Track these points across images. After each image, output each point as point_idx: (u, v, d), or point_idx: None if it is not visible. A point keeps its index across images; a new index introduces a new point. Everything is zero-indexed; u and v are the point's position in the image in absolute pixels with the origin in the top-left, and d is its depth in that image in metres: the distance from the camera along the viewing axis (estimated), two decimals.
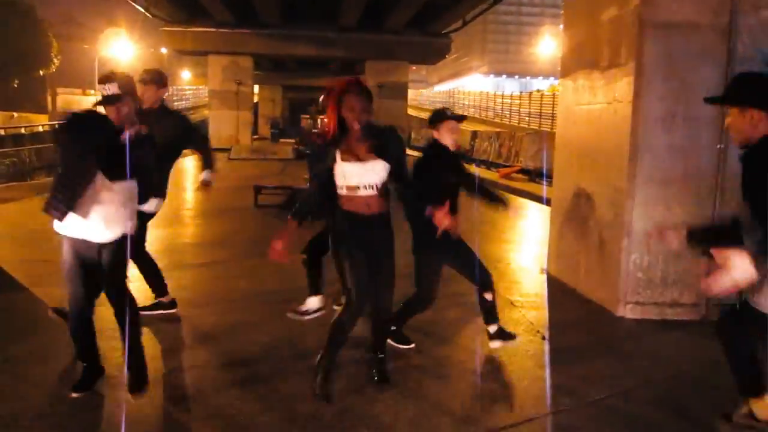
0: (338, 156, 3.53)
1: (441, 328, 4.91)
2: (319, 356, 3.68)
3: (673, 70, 5.27)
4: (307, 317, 4.87)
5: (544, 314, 5.46)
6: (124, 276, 3.68)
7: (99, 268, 3.53)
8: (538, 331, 5.00)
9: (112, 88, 3.38)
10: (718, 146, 5.35)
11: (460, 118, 4.44)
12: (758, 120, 2.69)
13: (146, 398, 3.57)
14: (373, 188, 3.53)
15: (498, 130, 31.60)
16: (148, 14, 30.32)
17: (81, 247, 3.47)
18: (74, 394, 3.54)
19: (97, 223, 3.42)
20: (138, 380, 3.59)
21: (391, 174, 3.58)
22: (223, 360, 4.21)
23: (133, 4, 29.35)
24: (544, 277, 6.64)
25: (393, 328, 4.27)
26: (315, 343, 4.49)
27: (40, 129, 33.20)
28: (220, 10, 28.01)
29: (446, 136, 4.22)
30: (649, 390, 3.97)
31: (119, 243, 3.54)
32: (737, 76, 3.03)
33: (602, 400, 3.80)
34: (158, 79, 4.75)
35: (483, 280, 4.22)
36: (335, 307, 4.49)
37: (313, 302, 4.92)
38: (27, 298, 5.52)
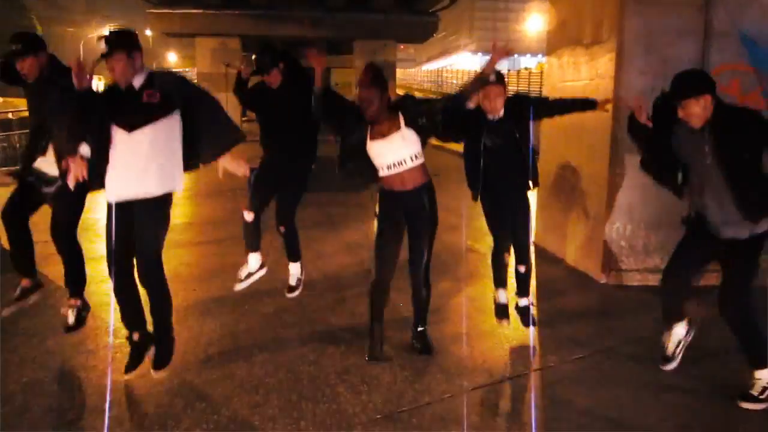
0: (368, 133, 3.72)
1: (434, 300, 5.14)
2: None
3: (652, 46, 5.48)
4: (251, 279, 4.88)
5: (532, 282, 5.69)
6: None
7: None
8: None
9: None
10: None
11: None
12: (709, 102, 3.27)
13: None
14: (403, 163, 3.70)
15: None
16: None
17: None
18: (127, 376, 3.62)
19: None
20: (162, 356, 3.64)
21: (428, 123, 3.72)
22: (229, 328, 4.44)
23: None
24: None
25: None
26: (309, 312, 4.77)
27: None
28: None
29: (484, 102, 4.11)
30: (629, 347, 4.24)
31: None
32: (681, 74, 3.42)
33: (585, 357, 4.08)
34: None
35: (521, 250, 4.39)
36: None
37: (253, 260, 4.90)
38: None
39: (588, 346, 4.23)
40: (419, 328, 4.10)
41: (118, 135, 3.41)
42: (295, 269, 4.98)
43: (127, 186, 3.44)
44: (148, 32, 69.62)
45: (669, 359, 3.76)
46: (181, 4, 30.65)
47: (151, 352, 3.67)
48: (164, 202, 3.52)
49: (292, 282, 4.97)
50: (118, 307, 3.64)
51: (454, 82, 46.45)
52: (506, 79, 4.16)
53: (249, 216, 4.67)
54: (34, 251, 4.24)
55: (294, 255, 4.95)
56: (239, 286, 4.83)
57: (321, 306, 4.92)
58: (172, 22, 31.85)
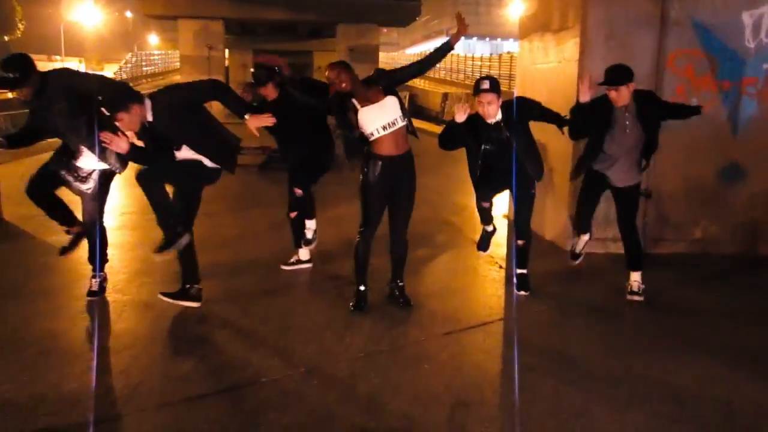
0: (357, 105, 4.19)
1: (410, 265, 5.63)
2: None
3: (613, 33, 5.96)
4: (298, 267, 5.41)
5: (503, 250, 6.20)
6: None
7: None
8: (496, 262, 5.76)
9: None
10: None
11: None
12: (632, 88, 4.49)
13: (165, 313, 4.27)
14: (396, 123, 4.19)
15: (468, 92, 32.14)
16: None
17: None
18: (157, 257, 4.22)
19: None
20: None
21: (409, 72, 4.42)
22: (225, 287, 4.90)
23: None
24: (506, 221, 7.38)
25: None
26: (298, 274, 5.23)
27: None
28: None
29: (478, 108, 4.52)
30: (585, 304, 4.76)
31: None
32: (612, 67, 4.61)
33: (543, 311, 4.60)
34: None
35: (520, 227, 4.88)
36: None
37: (303, 254, 5.47)
38: (36, 245, 6.14)
39: (547, 302, 4.75)
40: (400, 283, 4.59)
41: None
42: (311, 224, 5.42)
43: None
44: (129, 14, 69.00)
45: (577, 256, 5.16)
46: None
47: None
48: None
49: (309, 235, 5.41)
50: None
51: (437, 66, 46.91)
52: (500, 86, 4.56)
53: (298, 191, 5.11)
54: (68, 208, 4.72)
55: (308, 215, 5.40)
56: (286, 267, 5.38)
57: (309, 269, 5.38)
58: (155, 4, 31.76)
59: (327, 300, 4.68)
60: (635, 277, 4.85)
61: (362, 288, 4.50)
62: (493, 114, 4.47)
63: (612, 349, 3.97)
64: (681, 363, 3.78)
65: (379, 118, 4.18)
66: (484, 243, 5.09)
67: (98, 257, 4.65)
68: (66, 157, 4.45)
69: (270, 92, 4.99)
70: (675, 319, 4.53)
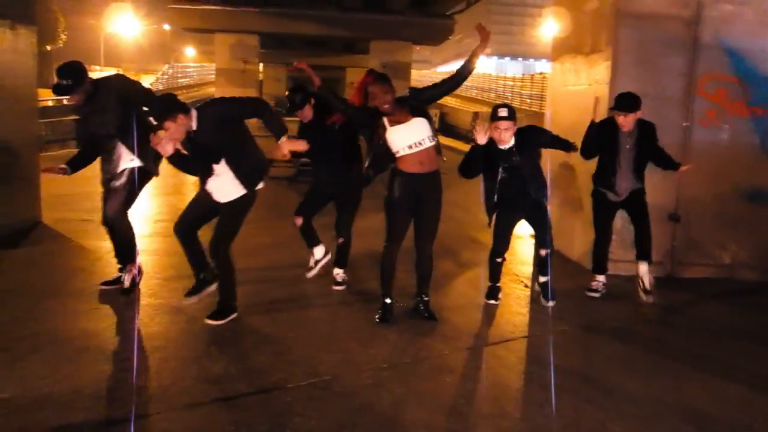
0: (387, 124, 4.31)
1: (436, 280, 5.69)
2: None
3: (644, 56, 6.02)
4: (320, 265, 5.47)
5: (529, 269, 6.24)
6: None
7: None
8: (521, 281, 5.81)
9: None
10: (684, 124, 6.11)
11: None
12: (638, 116, 5.07)
13: (196, 318, 4.41)
14: (422, 143, 4.29)
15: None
16: None
17: None
18: (186, 300, 4.50)
19: None
20: (219, 311, 4.42)
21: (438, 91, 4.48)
22: (255, 294, 5.02)
23: None
24: (532, 240, 7.40)
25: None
26: (325, 284, 5.33)
27: (50, 104, 33.87)
28: None
29: (494, 133, 4.68)
30: (607, 324, 4.79)
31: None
32: (624, 94, 5.11)
33: (565, 330, 4.63)
34: None
35: (542, 239, 5.01)
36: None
37: (318, 252, 5.49)
38: (73, 247, 6.36)
39: (570, 322, 4.78)
40: (425, 298, 4.66)
41: None
42: (337, 271, 5.41)
43: None
44: (167, 27, 70.41)
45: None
46: (202, 1, 31.26)
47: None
48: None
49: (339, 279, 5.38)
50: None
51: (468, 84, 46.96)
52: (516, 115, 4.80)
53: (298, 221, 5.25)
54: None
55: (341, 261, 5.40)
56: (311, 274, 5.40)
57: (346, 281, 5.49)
58: (192, 17, 32.44)
59: (353, 311, 4.79)
60: (642, 270, 5.29)
61: (388, 301, 4.59)
62: (507, 140, 4.68)
63: (633, 368, 4.00)
64: (702, 385, 3.80)
65: (407, 138, 4.30)
66: (494, 295, 5.20)
67: (123, 252, 4.91)
68: (105, 172, 4.80)
69: (306, 114, 5.12)
70: (698, 341, 4.54)
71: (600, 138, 5.20)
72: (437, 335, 4.40)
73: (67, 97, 4.62)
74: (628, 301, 5.39)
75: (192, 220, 4.43)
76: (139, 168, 4.80)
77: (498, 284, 5.19)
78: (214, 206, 4.38)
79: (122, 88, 4.67)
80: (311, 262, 5.45)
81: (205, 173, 4.31)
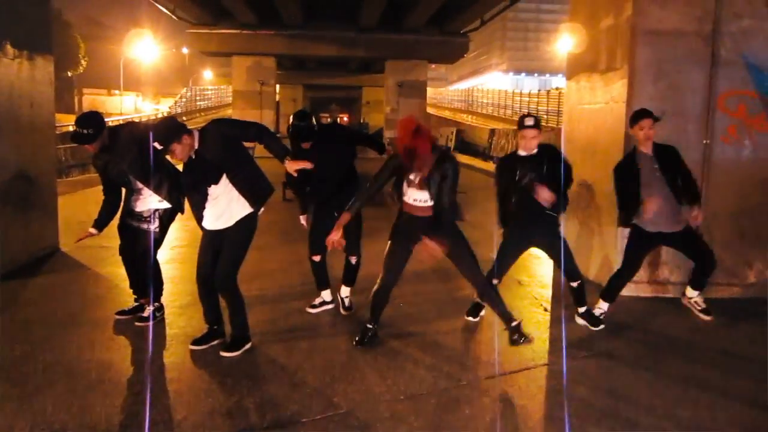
0: (413, 177, 4.27)
1: (455, 304, 5.61)
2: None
3: (662, 73, 5.92)
4: (324, 308, 5.38)
5: (548, 291, 6.14)
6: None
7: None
8: (541, 304, 5.70)
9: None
10: (705, 141, 5.99)
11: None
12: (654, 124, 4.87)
13: (211, 347, 4.37)
14: (426, 201, 4.27)
15: (515, 127, 32.04)
16: (174, 16, 31.25)
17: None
18: (193, 347, 4.42)
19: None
20: (233, 343, 4.41)
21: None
22: (271, 321, 4.98)
23: (159, 7, 30.28)
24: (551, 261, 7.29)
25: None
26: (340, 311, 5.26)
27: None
28: (244, 11, 28.87)
29: (521, 141, 4.80)
30: (630, 350, 4.66)
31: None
32: (640, 109, 4.96)
33: (589, 357, 4.51)
34: None
35: (569, 271, 4.93)
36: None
37: (326, 295, 5.44)
38: (91, 275, 6.37)
39: (592, 348, 4.66)
40: (513, 323, 4.48)
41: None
42: (347, 292, 5.41)
43: None
44: (185, 50, 71.45)
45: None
46: (219, 25, 31.69)
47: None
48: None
49: (347, 303, 5.38)
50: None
51: (485, 101, 46.96)
52: (541, 124, 4.87)
53: (316, 257, 5.20)
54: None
55: (352, 280, 5.40)
56: (312, 311, 5.32)
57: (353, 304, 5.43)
58: (210, 41, 32.91)
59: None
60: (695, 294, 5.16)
61: (369, 326, 4.58)
62: (533, 148, 4.74)
63: (658, 397, 3.87)
64: (730, 416, 3.66)
65: (412, 195, 4.31)
66: (475, 312, 5.15)
67: (152, 288, 4.89)
68: (126, 205, 4.88)
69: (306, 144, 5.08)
70: (725, 368, 4.39)
71: (628, 176, 4.94)
72: (455, 363, 4.30)
73: (86, 146, 4.68)
74: (652, 323, 5.27)
75: (209, 269, 4.36)
76: (167, 208, 4.89)
77: (482, 303, 5.06)
78: (214, 237, 4.35)
79: (137, 135, 4.71)
80: (317, 301, 5.37)
81: (200, 196, 4.32)
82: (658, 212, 4.79)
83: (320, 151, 4.96)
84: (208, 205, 4.32)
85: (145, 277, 4.87)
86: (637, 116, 4.88)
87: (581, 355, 4.52)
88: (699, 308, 5.16)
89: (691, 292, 5.17)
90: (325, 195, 5.15)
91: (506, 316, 4.50)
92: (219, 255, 4.31)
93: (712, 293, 6.03)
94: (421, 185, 4.24)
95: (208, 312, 4.51)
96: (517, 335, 4.44)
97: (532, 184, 4.61)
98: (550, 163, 4.73)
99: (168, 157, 4.30)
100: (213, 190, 4.28)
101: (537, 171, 4.69)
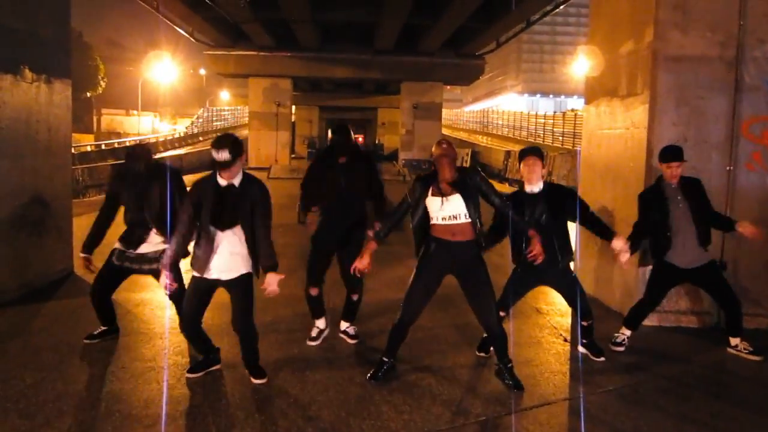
0: (429, 192, 4.25)
1: (472, 335, 5.48)
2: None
3: (684, 99, 5.82)
4: (323, 336, 5.23)
5: (567, 320, 5.99)
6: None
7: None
8: (560, 334, 5.56)
9: (224, 155, 4.01)
10: (728, 168, 5.86)
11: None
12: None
13: (223, 378, 4.26)
14: (458, 217, 4.21)
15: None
16: (192, 39, 31.60)
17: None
18: (189, 375, 4.38)
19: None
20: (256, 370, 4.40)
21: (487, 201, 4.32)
22: (284, 352, 4.89)
23: (178, 30, 30.64)
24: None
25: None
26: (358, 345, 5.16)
27: (88, 149, 34.81)
28: (261, 34, 29.14)
29: (524, 170, 4.74)
30: (657, 382, 4.51)
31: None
32: (669, 147, 5.16)
33: (615, 389, 4.36)
34: None
35: (582, 310, 4.84)
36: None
37: (321, 323, 5.28)
38: None
39: (614, 381, 4.52)
40: (508, 365, 4.38)
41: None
42: (345, 326, 5.31)
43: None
44: (203, 71, 72.21)
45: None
46: (237, 47, 32.01)
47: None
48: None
49: (351, 332, 5.27)
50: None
51: (500, 123, 46.95)
52: (543, 154, 4.84)
53: (314, 291, 5.08)
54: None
55: (352, 316, 5.29)
56: (313, 344, 5.15)
57: (367, 334, 5.31)
58: (227, 63, 33.22)
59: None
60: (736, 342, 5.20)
61: (385, 359, 4.47)
62: (536, 180, 4.67)
63: None
64: None
65: (443, 210, 4.23)
66: (484, 347, 5.03)
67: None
68: (127, 247, 4.90)
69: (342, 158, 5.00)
70: (754, 403, 4.23)
71: (650, 209, 5.10)
72: (475, 398, 4.18)
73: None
74: (674, 355, 5.12)
75: (195, 315, 4.30)
76: None
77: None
78: (210, 288, 4.26)
79: (164, 179, 4.75)
80: (314, 332, 5.22)
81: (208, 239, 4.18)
82: (687, 247, 4.96)
83: (349, 170, 4.94)
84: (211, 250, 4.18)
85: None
86: (667, 156, 5.03)
87: (603, 389, 4.38)
88: (747, 351, 5.12)
89: (734, 341, 5.20)
90: (334, 220, 5.00)
91: (504, 355, 4.40)
92: (206, 299, 4.30)
93: None
94: (451, 189, 4.20)
95: (200, 348, 4.49)
96: (508, 376, 4.36)
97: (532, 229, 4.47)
98: (560, 202, 4.70)
99: (219, 175, 4.09)
100: (221, 236, 4.15)
101: (545, 212, 4.64)
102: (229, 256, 4.15)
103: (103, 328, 5.17)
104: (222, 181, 4.08)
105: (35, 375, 4.35)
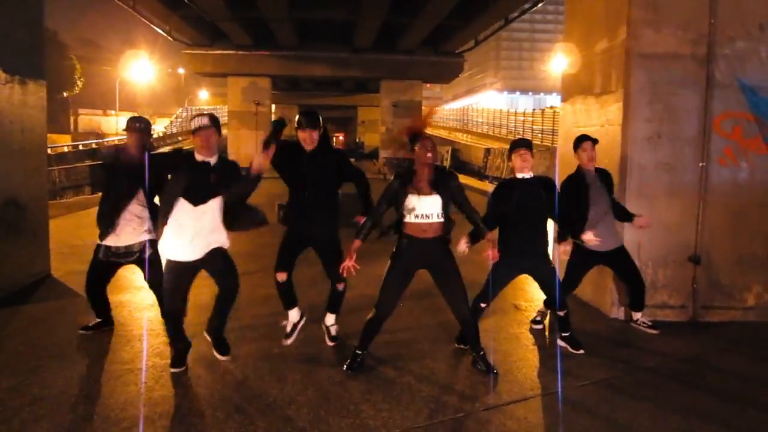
0: (407, 190, 4.35)
1: (451, 330, 5.52)
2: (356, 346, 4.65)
3: (657, 96, 5.90)
4: (297, 330, 5.14)
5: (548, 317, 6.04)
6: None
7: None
8: (536, 320, 5.62)
9: (203, 120, 4.28)
10: (701, 164, 5.96)
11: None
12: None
13: (202, 379, 4.26)
14: (430, 217, 4.33)
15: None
16: (170, 38, 31.37)
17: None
18: (173, 369, 4.48)
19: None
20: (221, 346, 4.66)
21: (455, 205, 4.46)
22: (263, 352, 4.88)
23: (155, 29, 30.41)
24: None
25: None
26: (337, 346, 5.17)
27: (65, 150, 34.40)
28: (239, 33, 29.01)
29: (516, 161, 4.93)
30: (630, 378, 4.58)
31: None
32: (581, 136, 5.48)
33: (590, 384, 4.42)
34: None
35: (558, 300, 4.97)
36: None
37: (293, 315, 5.16)
38: (81, 302, 6.20)
39: (590, 376, 4.58)
40: (480, 352, 4.61)
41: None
42: (332, 320, 5.23)
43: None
44: (181, 71, 71.61)
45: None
46: (215, 46, 31.82)
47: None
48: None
49: (333, 332, 5.19)
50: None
51: (480, 120, 47.08)
52: (532, 145, 5.06)
53: (281, 276, 4.92)
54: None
55: (338, 306, 5.20)
56: (288, 341, 5.06)
57: (347, 333, 5.31)
58: (206, 62, 33.03)
59: (366, 370, 4.57)
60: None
61: (359, 351, 4.61)
62: (528, 169, 4.88)
63: (659, 427, 3.78)
64: None
65: (417, 208, 4.34)
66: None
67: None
68: (116, 242, 4.95)
69: (312, 141, 4.85)
70: (730, 395, 4.31)
71: (573, 196, 5.31)
72: (453, 394, 4.21)
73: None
74: (650, 348, 5.19)
75: (181, 300, 4.48)
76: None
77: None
78: (192, 270, 4.43)
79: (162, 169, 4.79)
80: (288, 328, 5.11)
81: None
82: (605, 232, 5.25)
83: (319, 159, 4.83)
84: (190, 227, 4.30)
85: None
86: (578, 140, 5.42)
87: (580, 383, 4.44)
88: (646, 325, 5.68)
89: (636, 315, 5.74)
90: (304, 209, 4.88)
91: (476, 343, 4.64)
92: (188, 285, 4.52)
93: (710, 317, 5.99)
94: (429, 188, 4.32)
95: (180, 340, 4.59)
96: (481, 363, 4.59)
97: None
98: (547, 191, 4.87)
99: (197, 152, 4.35)
100: (193, 212, 4.29)
101: (535, 197, 4.82)
102: (201, 233, 4.32)
103: (98, 320, 5.34)
104: (199, 157, 4.17)
105: (11, 379, 4.31)
